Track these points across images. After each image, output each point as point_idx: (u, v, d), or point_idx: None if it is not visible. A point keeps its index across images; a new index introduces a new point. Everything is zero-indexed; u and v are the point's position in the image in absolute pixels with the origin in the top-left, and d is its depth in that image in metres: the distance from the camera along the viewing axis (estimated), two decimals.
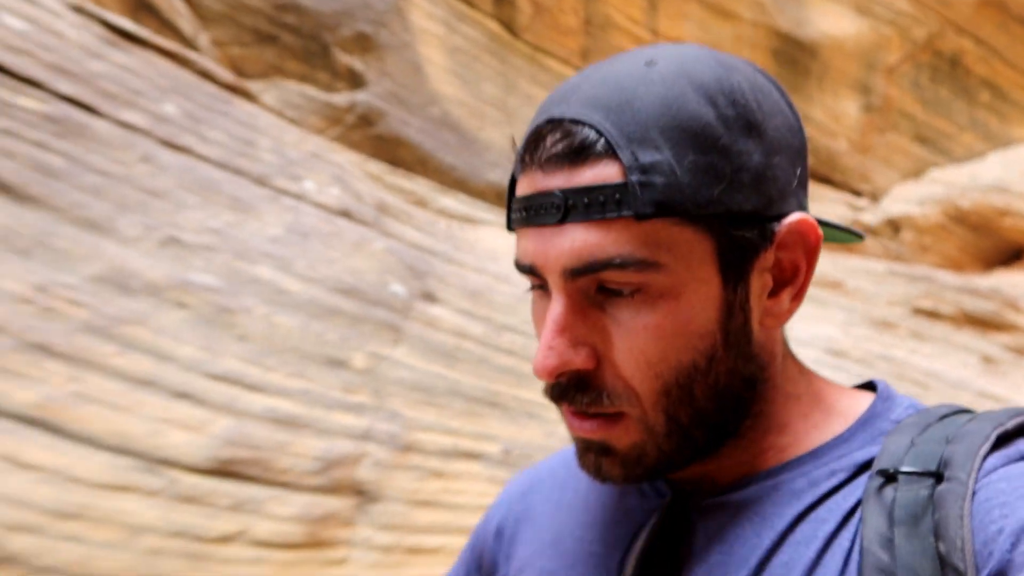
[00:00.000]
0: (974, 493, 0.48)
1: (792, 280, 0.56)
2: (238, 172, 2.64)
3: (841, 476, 0.55)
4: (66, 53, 2.56)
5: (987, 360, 4.40)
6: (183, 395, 1.87)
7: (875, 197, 5.65)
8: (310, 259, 2.41)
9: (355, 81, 4.77)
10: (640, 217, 0.50)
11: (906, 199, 5.54)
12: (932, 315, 4.57)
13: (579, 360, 0.53)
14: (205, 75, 2.99)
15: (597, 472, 0.57)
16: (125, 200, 2.28)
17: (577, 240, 0.51)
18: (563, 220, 0.51)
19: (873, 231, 5.48)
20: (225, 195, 2.51)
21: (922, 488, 0.50)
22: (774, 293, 0.56)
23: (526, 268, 0.56)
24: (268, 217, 2.51)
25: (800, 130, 0.58)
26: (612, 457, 0.56)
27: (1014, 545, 0.45)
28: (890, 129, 5.63)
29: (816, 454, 0.57)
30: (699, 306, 0.53)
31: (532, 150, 0.54)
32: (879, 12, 5.38)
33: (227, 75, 3.07)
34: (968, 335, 4.53)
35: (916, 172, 5.67)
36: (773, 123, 0.54)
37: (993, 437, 0.51)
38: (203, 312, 2.07)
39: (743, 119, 0.52)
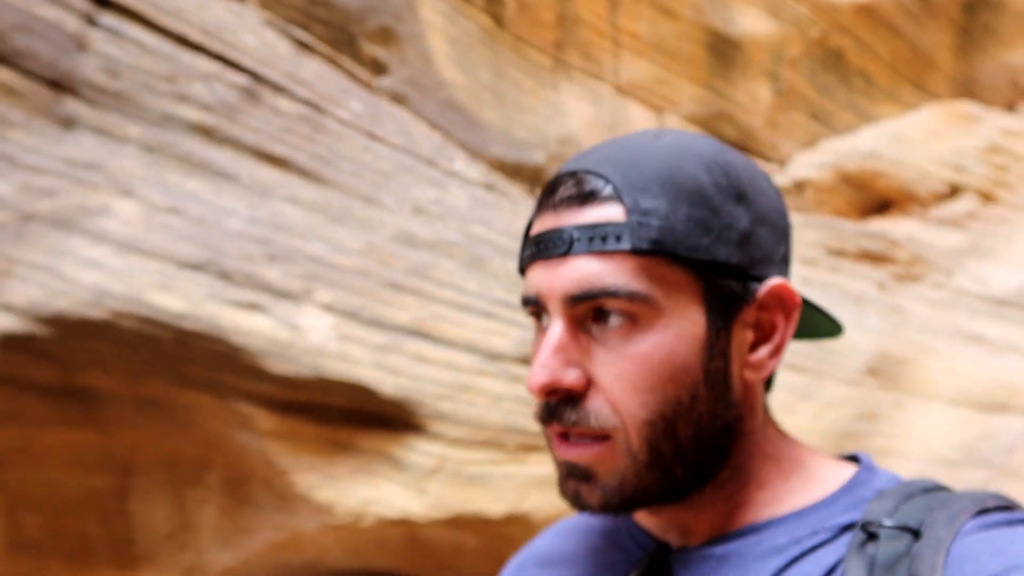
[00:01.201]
0: (949, 550, 0.52)
1: (770, 338, 0.62)
2: (417, 157, 3.41)
3: (823, 536, 0.59)
4: (285, 62, 3.21)
5: (880, 285, 5.89)
6: (488, 314, 2.72)
7: (782, 163, 7.06)
8: (496, 222, 3.26)
9: (378, 69, 5.43)
10: (637, 252, 0.57)
11: (807, 164, 6.99)
12: (840, 253, 6.01)
13: (570, 379, 0.58)
14: (352, 76, 3.68)
15: (576, 499, 0.60)
16: (375, 181, 3.03)
17: (579, 269, 0.58)
18: (568, 252, 0.58)
19: (784, 191, 6.91)
20: (421, 175, 3.29)
21: (900, 543, 0.54)
22: (754, 348, 0.62)
23: (531, 299, 0.61)
24: (454, 191, 3.32)
25: (785, 216, 0.64)
26: (592, 483, 0.59)
27: None
28: (792, 109, 7.04)
29: (800, 515, 0.61)
30: (685, 342, 0.58)
31: (548, 196, 0.61)
32: (786, 15, 6.72)
33: (365, 75, 3.76)
34: (866, 268, 6.01)
35: (811, 143, 7.13)
36: (761, 200, 0.61)
37: (973, 510, 0.55)
38: (465, 260, 2.90)
39: (734, 189, 0.59)
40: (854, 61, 6.93)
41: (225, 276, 2.30)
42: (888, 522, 0.54)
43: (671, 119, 6.34)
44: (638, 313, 0.57)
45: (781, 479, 0.62)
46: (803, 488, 0.62)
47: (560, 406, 0.58)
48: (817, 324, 0.71)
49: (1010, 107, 7.78)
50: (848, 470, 0.64)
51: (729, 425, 0.60)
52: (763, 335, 0.62)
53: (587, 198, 0.58)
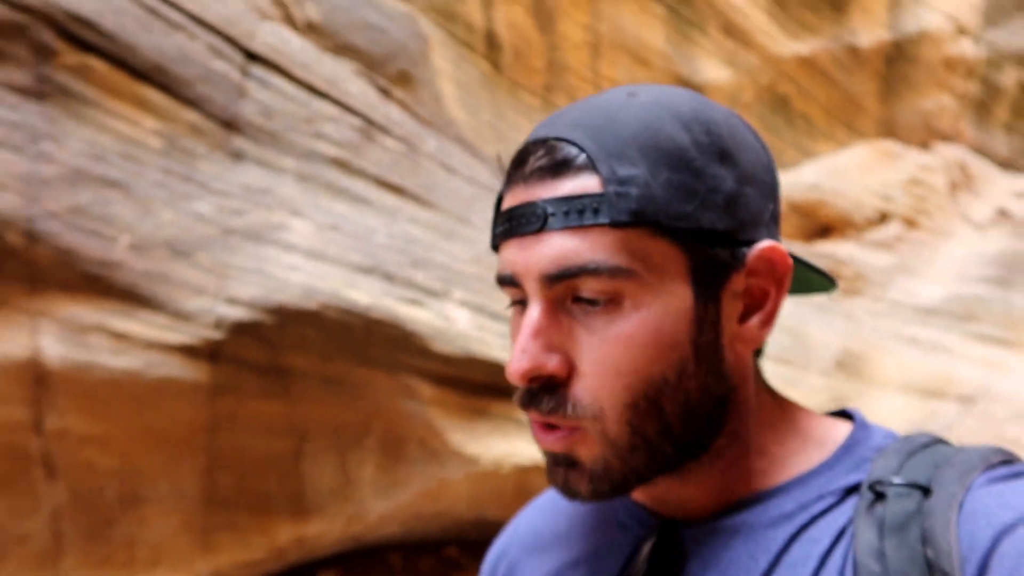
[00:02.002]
0: (961, 505, 0.51)
1: (761, 306, 0.59)
2: (481, 185, 4.06)
3: (830, 500, 0.57)
4: (379, 106, 3.82)
5: (831, 298, 6.82)
6: None
7: None
8: None
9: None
10: (615, 224, 0.53)
11: None
12: None
13: (551, 365, 0.55)
14: (415, 115, 4.31)
15: (565, 487, 0.58)
16: (464, 205, 3.67)
17: (555, 246, 0.54)
18: (543, 228, 0.54)
19: None
20: (490, 201, 3.94)
21: (911, 501, 0.53)
22: (744, 318, 0.58)
23: (506, 279, 0.58)
24: None
25: (772, 171, 0.60)
26: (579, 471, 0.57)
27: (995, 542, 0.49)
28: None
29: (802, 480, 0.59)
30: (671, 318, 0.54)
31: (518, 167, 0.57)
32: (741, 64, 7.70)
33: (425, 115, 4.40)
34: None
35: None
36: (746, 157, 0.57)
37: (982, 467, 0.54)
38: None
39: (716, 147, 0.55)
40: (797, 105, 7.97)
41: (389, 278, 2.90)
42: (897, 480, 0.54)
43: None
44: (620, 290, 0.54)
45: (778, 444, 0.61)
46: (802, 450, 0.61)
47: (540, 392, 0.56)
48: (808, 280, 0.70)
49: (924, 145, 9.00)
50: (843, 428, 0.63)
51: (722, 397, 0.58)
52: (753, 303, 0.59)
53: (560, 168, 0.54)
